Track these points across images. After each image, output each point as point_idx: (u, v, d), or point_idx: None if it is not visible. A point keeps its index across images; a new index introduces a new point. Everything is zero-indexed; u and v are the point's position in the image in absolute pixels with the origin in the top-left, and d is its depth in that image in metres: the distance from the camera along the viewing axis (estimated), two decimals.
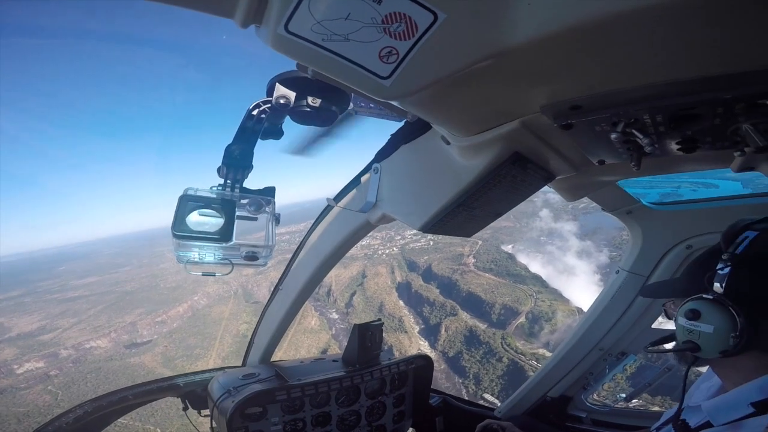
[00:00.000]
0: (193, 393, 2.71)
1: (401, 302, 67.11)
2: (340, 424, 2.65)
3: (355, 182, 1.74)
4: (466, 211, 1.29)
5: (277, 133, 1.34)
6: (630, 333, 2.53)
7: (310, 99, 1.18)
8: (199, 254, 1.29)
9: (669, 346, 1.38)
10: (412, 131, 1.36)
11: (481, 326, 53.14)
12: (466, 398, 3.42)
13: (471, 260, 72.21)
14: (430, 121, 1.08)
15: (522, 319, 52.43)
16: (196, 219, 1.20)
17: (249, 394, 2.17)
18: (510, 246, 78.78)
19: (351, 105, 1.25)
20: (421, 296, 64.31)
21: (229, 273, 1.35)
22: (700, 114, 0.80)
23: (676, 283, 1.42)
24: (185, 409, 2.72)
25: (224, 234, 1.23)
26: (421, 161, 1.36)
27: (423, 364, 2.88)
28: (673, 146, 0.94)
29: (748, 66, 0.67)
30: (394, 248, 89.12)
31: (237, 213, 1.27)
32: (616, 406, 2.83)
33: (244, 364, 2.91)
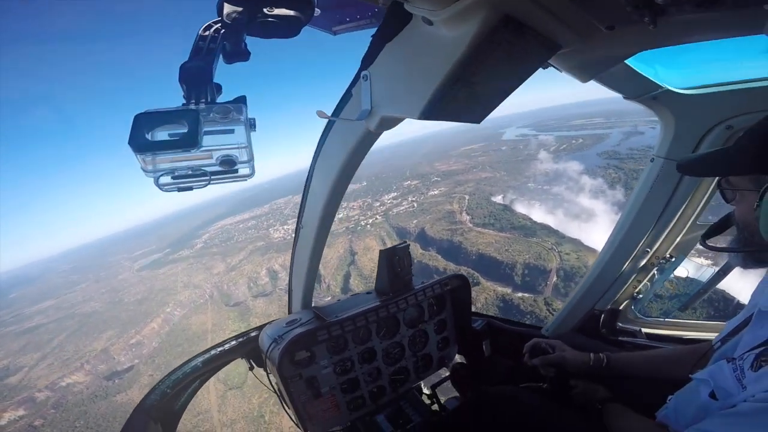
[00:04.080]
0: (255, 351, 2.77)
1: None
2: (385, 357, 2.78)
3: (347, 96, 1.69)
4: (467, 88, 1.20)
5: (242, 54, 1.29)
6: (676, 228, 2.42)
7: (266, 9, 1.14)
8: (169, 168, 1.20)
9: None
10: (393, 26, 1.31)
11: (509, 291, 50.07)
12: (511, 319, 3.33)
13: (466, 217, 70.51)
14: None
15: (554, 278, 50.11)
16: (155, 133, 1.13)
17: (291, 338, 2.29)
18: (500, 197, 77.83)
19: (317, 11, 1.24)
20: (427, 267, 61.51)
21: (207, 185, 1.26)
22: None
23: (736, 155, 1.23)
24: (251, 368, 2.82)
25: (189, 139, 1.12)
26: (409, 52, 1.30)
27: (459, 284, 2.91)
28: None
29: None
30: (377, 216, 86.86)
31: (207, 128, 1.19)
32: (669, 318, 2.75)
33: (289, 312, 3.02)
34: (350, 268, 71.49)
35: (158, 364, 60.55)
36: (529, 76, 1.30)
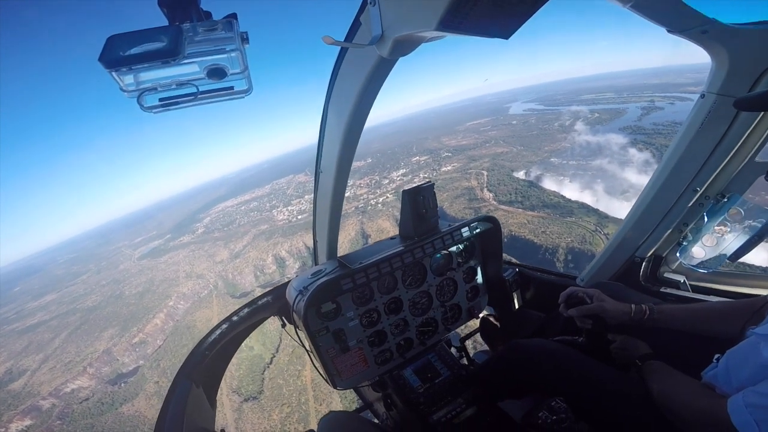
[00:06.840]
0: (285, 307, 2.74)
1: None
2: (412, 308, 2.77)
3: (356, 25, 1.61)
4: None
5: None
6: (730, 166, 2.25)
7: None
8: (151, 85, 1.12)
9: None
10: None
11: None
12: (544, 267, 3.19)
13: (488, 194, 65.45)
14: None
15: None
16: (131, 50, 1.03)
17: (315, 288, 2.28)
18: (522, 172, 72.18)
19: None
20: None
21: (195, 99, 1.19)
22: None
23: None
24: (283, 326, 2.80)
25: (170, 47, 1.01)
26: None
27: (489, 227, 2.79)
28: None
29: None
30: (388, 195, 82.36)
31: (193, 49, 1.11)
32: (720, 268, 2.50)
33: (315, 264, 3.01)
34: None
35: (163, 368, 58.06)
36: None
